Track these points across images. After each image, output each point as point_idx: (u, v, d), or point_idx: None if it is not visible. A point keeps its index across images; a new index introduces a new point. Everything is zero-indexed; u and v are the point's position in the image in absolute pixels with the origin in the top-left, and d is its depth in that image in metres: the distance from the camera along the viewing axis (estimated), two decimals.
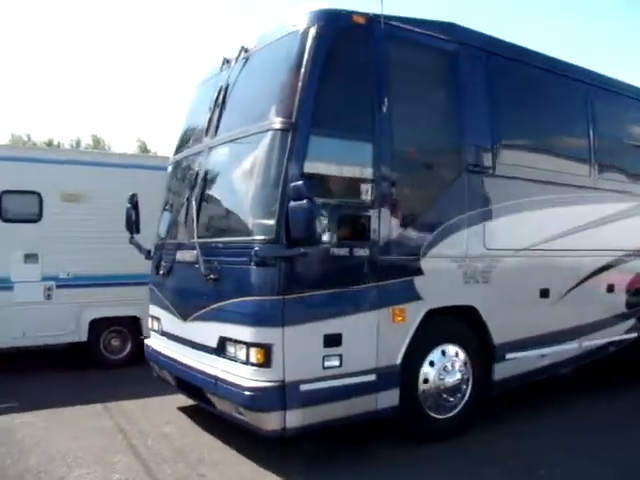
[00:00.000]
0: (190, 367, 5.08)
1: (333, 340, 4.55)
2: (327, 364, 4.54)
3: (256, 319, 4.41)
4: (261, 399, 4.35)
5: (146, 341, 6.29)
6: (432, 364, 5.20)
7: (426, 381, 5.16)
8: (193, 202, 5.23)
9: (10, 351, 8.01)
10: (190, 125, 6.14)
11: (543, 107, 6.22)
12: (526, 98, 6.11)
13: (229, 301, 4.63)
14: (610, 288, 6.73)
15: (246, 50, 5.42)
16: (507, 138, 5.85)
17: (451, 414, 5.35)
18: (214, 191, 5.26)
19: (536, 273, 5.99)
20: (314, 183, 4.46)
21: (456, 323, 5.43)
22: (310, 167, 4.49)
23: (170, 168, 6.31)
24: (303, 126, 4.46)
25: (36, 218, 7.92)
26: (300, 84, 4.52)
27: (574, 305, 6.31)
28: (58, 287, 7.94)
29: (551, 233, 6.10)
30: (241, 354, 4.50)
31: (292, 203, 4.23)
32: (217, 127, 5.36)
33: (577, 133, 6.61)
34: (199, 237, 5.05)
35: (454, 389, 5.32)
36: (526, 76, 6.07)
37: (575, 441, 5.32)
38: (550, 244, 6.07)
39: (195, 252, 4.95)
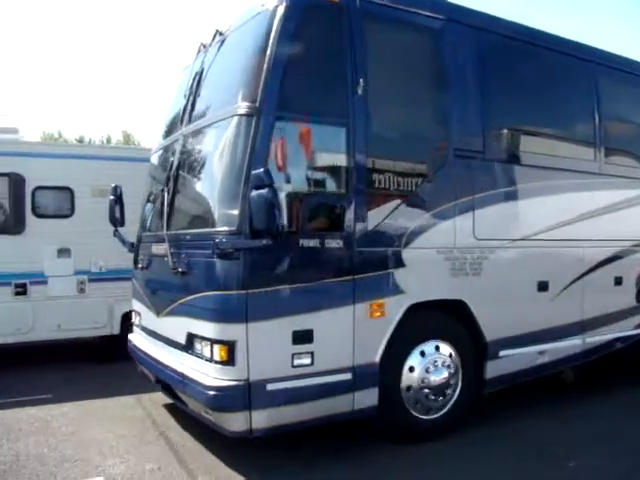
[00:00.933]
0: (163, 364, 4.91)
1: (303, 337, 4.30)
2: (297, 362, 4.29)
3: (219, 314, 4.20)
4: (225, 399, 4.14)
5: (129, 336, 6.16)
6: (416, 362, 4.90)
7: (409, 380, 4.86)
8: (165, 193, 5.07)
9: (45, 344, 8.11)
10: (170, 114, 5.95)
11: (542, 87, 5.80)
12: (523, 78, 5.72)
13: (195, 295, 4.42)
14: (618, 280, 6.29)
15: (221, 34, 5.18)
16: (500, 120, 5.48)
17: (439, 414, 5.04)
18: (185, 181, 5.06)
19: (534, 265, 5.62)
20: (281, 170, 4.23)
21: (443, 318, 5.11)
22: (276, 154, 4.24)
23: (152, 158, 6.14)
24: (268, 110, 4.21)
25: (68, 213, 7.99)
26: (266, 66, 4.26)
27: (577, 299, 5.92)
28: (90, 281, 8.02)
29: (551, 222, 5.72)
30: (206, 351, 4.29)
31: (254, 192, 4.00)
32: (190, 115, 5.16)
33: (581, 115, 6.18)
34: (171, 229, 4.89)
35: (441, 388, 5.00)
36: (523, 54, 5.67)
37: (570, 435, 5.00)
38: (550, 234, 5.69)
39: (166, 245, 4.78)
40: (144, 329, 5.63)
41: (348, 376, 4.50)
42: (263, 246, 4.05)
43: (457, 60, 5.15)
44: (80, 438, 5.19)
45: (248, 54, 4.51)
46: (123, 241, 6.04)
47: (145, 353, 5.37)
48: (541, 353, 5.69)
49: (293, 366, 4.28)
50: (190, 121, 5.12)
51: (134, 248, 5.83)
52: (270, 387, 4.18)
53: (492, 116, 5.36)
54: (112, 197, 6.01)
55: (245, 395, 4.10)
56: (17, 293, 7.60)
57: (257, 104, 4.22)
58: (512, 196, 5.46)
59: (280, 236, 4.04)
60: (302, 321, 4.31)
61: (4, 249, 7.52)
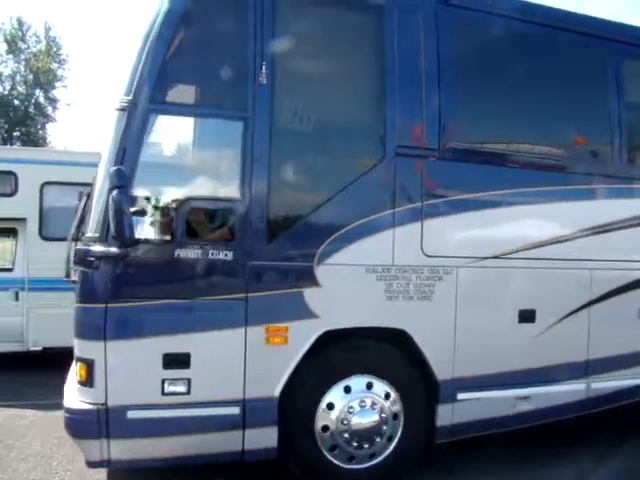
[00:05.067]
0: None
1: (177, 361, 3.76)
2: (169, 389, 3.76)
3: (78, 329, 3.82)
4: (78, 423, 3.73)
5: None
6: (337, 401, 4.10)
7: (326, 429, 4.07)
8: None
9: None
10: None
11: (532, 69, 4.65)
12: (501, 57, 4.64)
13: (74, 306, 4.06)
14: None
15: None
16: (467, 111, 4.48)
17: (370, 463, 4.20)
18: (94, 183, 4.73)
19: (514, 290, 4.54)
20: (157, 172, 3.81)
21: (378, 350, 4.26)
22: (151, 152, 3.79)
23: None
24: (141, 103, 3.73)
25: None
26: (145, 53, 3.80)
27: (580, 333, 4.71)
28: None
29: (543, 237, 4.61)
30: (75, 368, 3.92)
31: (111, 194, 3.55)
32: None
33: (593, 104, 4.93)
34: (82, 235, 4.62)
35: (371, 433, 4.15)
36: (501, 28, 4.59)
37: None
38: (541, 251, 4.57)
39: None
40: None
41: (235, 410, 3.86)
42: (121, 255, 3.58)
43: (404, 40, 4.25)
44: None
45: (138, 42, 4.06)
46: None
47: None
48: (523, 399, 4.57)
49: (164, 393, 3.75)
50: None
51: None
52: (132, 415, 3.69)
53: (456, 105, 4.39)
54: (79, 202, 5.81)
55: (101, 421, 3.65)
56: None
57: (131, 96, 3.77)
58: (483, 204, 4.44)
59: (132, 244, 3.55)
60: (176, 343, 3.77)
61: None
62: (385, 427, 4.20)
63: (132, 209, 3.68)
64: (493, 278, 4.48)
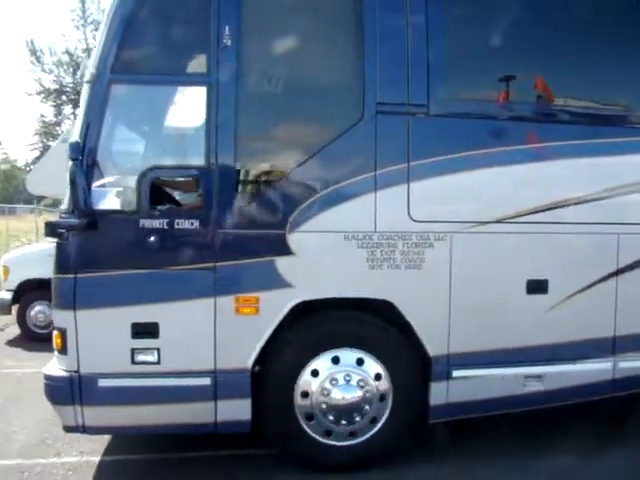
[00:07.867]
0: None
1: (146, 331, 3.74)
2: (139, 359, 3.76)
3: (54, 299, 3.91)
4: (54, 389, 3.82)
5: None
6: (316, 373, 3.93)
7: (306, 395, 3.92)
8: None
9: None
10: None
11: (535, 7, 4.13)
12: None
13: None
14: None
15: None
16: (461, 59, 4.05)
17: (351, 442, 3.98)
18: None
19: (520, 257, 4.08)
20: (121, 141, 3.80)
21: (363, 322, 4.01)
22: (115, 122, 3.77)
23: None
24: (103, 74, 3.70)
25: None
26: (107, 24, 3.79)
27: (605, 306, 4.15)
28: None
29: (557, 198, 4.08)
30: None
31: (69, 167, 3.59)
32: None
33: (612, 44, 4.25)
34: None
35: (351, 410, 3.92)
36: None
37: None
38: (555, 214, 4.06)
39: None
40: None
41: (206, 381, 3.80)
42: (80, 226, 3.59)
43: None
44: None
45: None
46: None
47: None
48: (534, 378, 4.12)
49: (134, 362, 3.77)
50: None
51: None
52: (103, 383, 3.73)
53: (445, 54, 3.98)
54: None
55: (74, 388, 3.72)
56: None
57: (95, 69, 3.77)
58: (485, 162, 4.00)
59: (92, 216, 3.57)
60: (144, 313, 3.75)
61: None
62: (368, 407, 3.94)
63: (101, 181, 3.74)
64: (495, 245, 4.03)
